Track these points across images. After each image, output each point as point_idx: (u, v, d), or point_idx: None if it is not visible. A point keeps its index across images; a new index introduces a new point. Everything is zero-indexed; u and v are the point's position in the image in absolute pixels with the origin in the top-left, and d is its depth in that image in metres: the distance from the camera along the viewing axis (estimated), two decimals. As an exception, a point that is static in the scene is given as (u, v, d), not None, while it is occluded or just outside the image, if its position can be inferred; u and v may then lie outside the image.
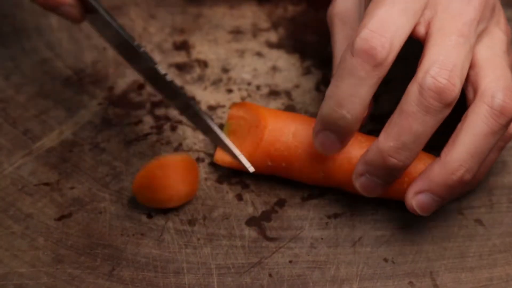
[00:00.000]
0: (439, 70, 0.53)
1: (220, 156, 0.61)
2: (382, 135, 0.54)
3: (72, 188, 0.60)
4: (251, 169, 0.58)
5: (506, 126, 0.55)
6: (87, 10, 0.60)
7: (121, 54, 0.61)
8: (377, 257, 0.57)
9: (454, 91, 0.53)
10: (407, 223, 0.59)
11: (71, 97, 0.66)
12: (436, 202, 0.55)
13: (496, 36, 0.58)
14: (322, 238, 0.58)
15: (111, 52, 0.69)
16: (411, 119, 0.53)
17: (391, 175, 0.55)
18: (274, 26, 0.73)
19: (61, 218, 0.58)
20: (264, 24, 0.73)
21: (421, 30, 0.56)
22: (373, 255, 0.57)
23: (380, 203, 0.60)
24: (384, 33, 0.53)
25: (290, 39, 0.72)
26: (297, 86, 0.68)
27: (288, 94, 0.67)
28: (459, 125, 0.55)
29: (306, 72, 0.69)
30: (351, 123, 0.54)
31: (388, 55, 0.53)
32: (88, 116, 0.65)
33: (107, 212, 0.59)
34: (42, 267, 0.55)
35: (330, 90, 0.54)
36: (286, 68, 0.69)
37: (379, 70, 0.53)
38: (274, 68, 0.69)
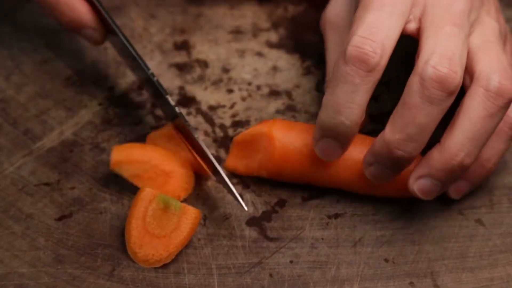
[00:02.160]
0: (438, 59, 0.53)
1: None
2: (388, 127, 0.54)
3: (72, 188, 0.60)
4: (245, 208, 0.57)
5: (505, 107, 0.55)
6: (109, 31, 0.62)
7: (137, 77, 0.64)
8: (377, 257, 0.57)
9: (456, 78, 0.53)
10: (407, 223, 0.59)
11: (71, 97, 0.66)
12: (436, 186, 0.56)
13: (487, 25, 0.58)
14: (322, 238, 0.58)
15: (111, 52, 0.69)
16: (415, 110, 0.53)
17: (399, 165, 0.55)
18: (275, 26, 0.73)
19: (61, 218, 0.58)
20: (265, 24, 0.73)
21: (412, 27, 0.56)
22: (374, 255, 0.57)
23: (381, 203, 0.60)
24: (375, 38, 0.53)
25: (290, 39, 0.72)
26: (297, 86, 0.68)
27: (288, 94, 0.67)
28: (457, 110, 0.55)
29: (307, 72, 0.69)
30: (350, 128, 0.55)
31: (380, 59, 0.53)
32: (88, 116, 0.65)
33: (107, 212, 0.59)
34: (43, 267, 0.55)
35: (326, 98, 0.55)
36: (286, 68, 0.69)
37: (373, 75, 0.53)
38: (275, 68, 0.69)
